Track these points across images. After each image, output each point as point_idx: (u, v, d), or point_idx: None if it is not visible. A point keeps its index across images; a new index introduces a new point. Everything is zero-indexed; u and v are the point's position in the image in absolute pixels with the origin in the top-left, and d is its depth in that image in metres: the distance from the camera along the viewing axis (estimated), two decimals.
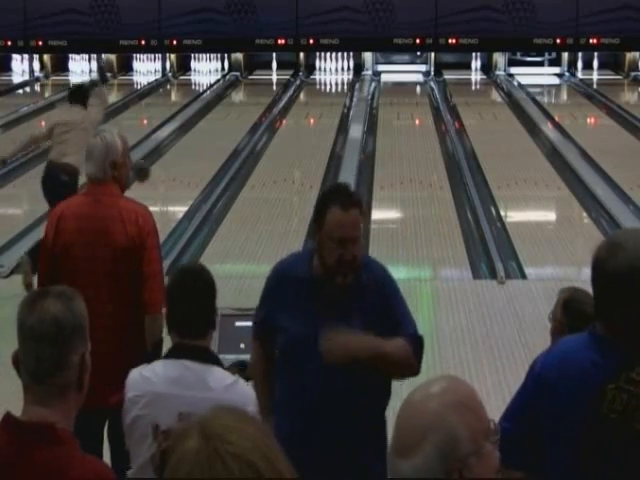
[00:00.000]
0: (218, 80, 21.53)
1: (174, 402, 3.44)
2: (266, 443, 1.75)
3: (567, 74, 21.28)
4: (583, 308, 4.40)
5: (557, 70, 21.66)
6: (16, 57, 21.99)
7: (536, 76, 21.29)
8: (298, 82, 20.98)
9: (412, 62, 22.07)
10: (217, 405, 1.86)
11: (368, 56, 21.70)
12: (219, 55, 22.18)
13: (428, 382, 2.19)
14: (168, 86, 21.61)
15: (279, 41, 20.26)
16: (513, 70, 21.59)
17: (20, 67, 21.99)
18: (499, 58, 21.52)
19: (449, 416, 2.07)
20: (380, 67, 21.82)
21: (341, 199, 3.76)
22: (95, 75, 21.90)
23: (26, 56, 21.48)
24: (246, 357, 4.57)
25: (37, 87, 21.28)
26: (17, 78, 21.55)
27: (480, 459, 2.07)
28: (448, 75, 21.37)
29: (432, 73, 21.49)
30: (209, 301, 3.66)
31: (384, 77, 21.29)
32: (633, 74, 21.06)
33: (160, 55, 22.07)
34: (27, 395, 2.54)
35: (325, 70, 22.00)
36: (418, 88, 20.69)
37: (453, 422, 2.07)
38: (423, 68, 21.85)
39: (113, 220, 4.74)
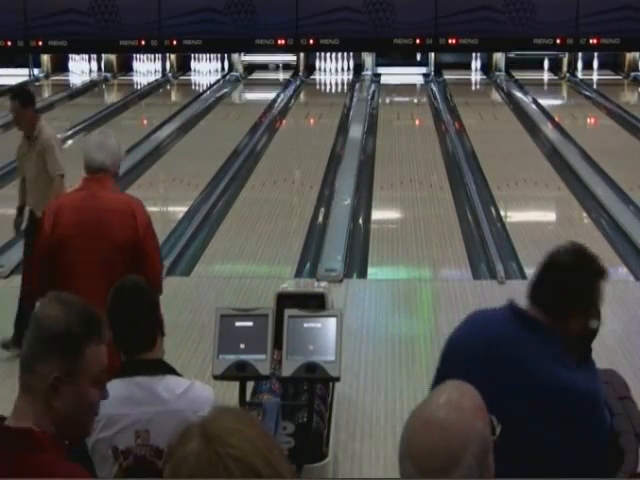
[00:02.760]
0: (218, 80, 21.52)
1: (128, 422, 3.43)
2: (267, 445, 1.75)
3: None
4: None
5: (424, 70, 21.72)
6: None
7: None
8: (298, 82, 20.98)
9: (412, 64, 22.05)
10: (218, 406, 1.86)
11: (368, 59, 21.69)
12: (219, 55, 22.18)
13: (435, 395, 2.14)
14: (168, 86, 21.61)
15: (279, 41, 20.26)
16: (380, 70, 21.75)
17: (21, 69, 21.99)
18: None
19: (477, 423, 2.09)
20: (380, 69, 21.80)
21: None
22: (95, 75, 21.92)
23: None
24: (246, 357, 4.58)
25: (36, 87, 21.27)
26: (17, 79, 21.53)
27: (491, 455, 2.11)
28: (448, 75, 21.38)
29: (432, 73, 21.50)
30: (148, 312, 3.63)
31: (384, 78, 21.28)
32: (633, 74, 21.06)
33: (160, 55, 22.08)
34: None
35: (325, 70, 22.00)
36: (418, 88, 20.68)
37: (482, 427, 2.09)
38: (423, 70, 21.85)
39: (110, 212, 4.88)
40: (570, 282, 3.11)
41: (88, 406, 2.43)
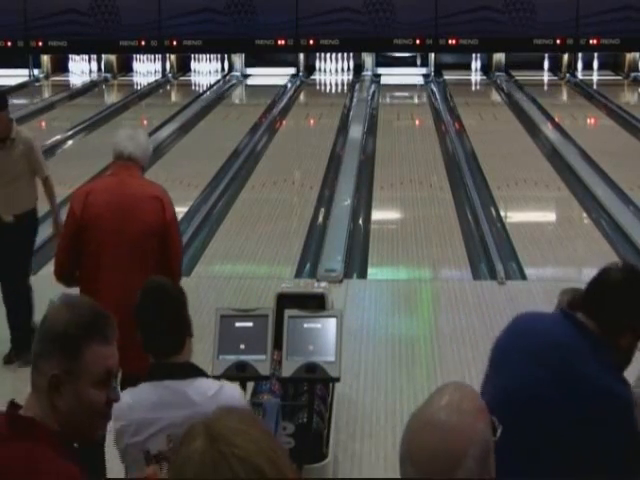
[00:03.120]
0: (218, 81, 21.52)
1: (159, 426, 3.42)
2: (270, 446, 1.75)
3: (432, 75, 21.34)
4: None
5: (424, 71, 21.71)
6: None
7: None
8: (298, 83, 20.98)
9: (412, 65, 22.04)
10: (221, 406, 1.86)
11: (368, 59, 21.69)
12: (219, 56, 22.18)
13: (436, 397, 2.13)
14: (168, 87, 21.61)
15: (279, 42, 20.26)
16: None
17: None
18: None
19: (479, 425, 2.08)
20: (380, 70, 21.80)
21: None
22: (95, 76, 21.92)
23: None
24: (246, 358, 4.58)
25: (36, 88, 21.27)
26: (17, 79, 21.53)
27: (492, 456, 2.10)
28: (448, 76, 21.37)
29: (432, 74, 21.50)
30: (175, 314, 3.63)
31: (384, 78, 21.27)
32: (633, 75, 21.05)
33: (160, 56, 22.07)
34: None
35: (325, 71, 22.00)
36: (418, 89, 20.68)
37: (483, 429, 2.09)
38: (423, 70, 21.85)
39: (141, 198, 5.04)
40: (625, 300, 3.20)
41: (88, 407, 2.42)
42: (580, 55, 21.79)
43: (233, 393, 3.56)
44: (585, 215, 10.94)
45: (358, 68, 21.71)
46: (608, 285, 3.23)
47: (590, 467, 3.03)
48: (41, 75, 21.93)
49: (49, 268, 9.12)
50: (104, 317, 2.48)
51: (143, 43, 20.50)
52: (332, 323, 4.92)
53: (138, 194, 5.07)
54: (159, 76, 22.08)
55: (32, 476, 2.33)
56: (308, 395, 4.97)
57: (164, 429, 3.41)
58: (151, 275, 4.72)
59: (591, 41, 20.03)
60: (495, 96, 19.85)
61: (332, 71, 21.96)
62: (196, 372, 3.58)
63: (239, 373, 4.57)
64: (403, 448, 2.07)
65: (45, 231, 9.98)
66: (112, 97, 20.61)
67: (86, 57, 22.28)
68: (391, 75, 21.56)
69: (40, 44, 20.58)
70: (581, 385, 3.09)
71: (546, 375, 3.11)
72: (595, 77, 21.59)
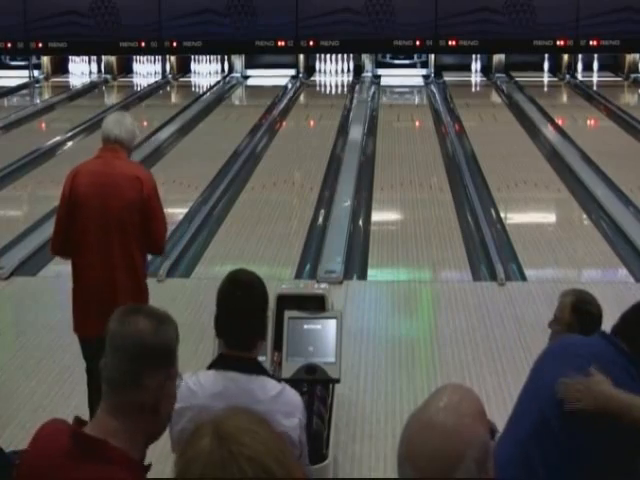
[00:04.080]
0: (218, 82, 21.53)
1: None
2: (279, 446, 1.75)
3: (432, 76, 21.36)
4: (590, 309, 4.43)
5: (424, 72, 21.71)
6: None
7: (404, 77, 21.36)
8: (298, 84, 20.98)
9: (412, 66, 22.05)
10: (231, 406, 1.85)
11: (368, 60, 21.70)
12: (219, 57, 22.18)
13: (434, 398, 2.13)
14: (168, 88, 21.61)
15: (279, 43, 20.26)
16: (380, 71, 21.73)
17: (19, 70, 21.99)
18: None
19: (478, 427, 2.08)
20: (380, 71, 21.81)
21: None
22: (95, 77, 21.92)
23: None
24: None
25: (36, 89, 21.28)
26: (17, 80, 21.53)
27: (491, 459, 2.10)
28: (448, 77, 21.38)
29: (432, 75, 21.50)
30: (260, 314, 3.61)
31: (384, 80, 21.28)
32: (633, 76, 21.06)
33: (160, 57, 22.08)
34: (102, 403, 2.50)
35: (325, 72, 22.01)
36: (418, 90, 20.68)
37: (482, 432, 2.08)
38: (423, 72, 21.85)
39: (122, 177, 5.45)
40: None
41: (175, 401, 2.57)
42: (580, 56, 21.80)
43: (294, 397, 3.55)
44: (585, 216, 10.94)
45: (358, 69, 21.71)
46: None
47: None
48: (41, 76, 21.93)
49: (49, 269, 9.14)
50: (173, 318, 2.56)
51: (143, 44, 20.50)
52: (332, 324, 4.92)
53: (120, 173, 5.46)
54: (159, 77, 22.09)
55: None
56: (308, 396, 4.96)
57: None
58: (132, 247, 5.42)
59: (591, 42, 20.03)
60: (495, 97, 19.85)
61: (332, 72, 21.97)
62: (262, 371, 3.57)
63: None
64: (402, 449, 2.07)
65: (42, 235, 10.01)
66: (112, 98, 20.61)
67: (86, 58, 22.29)
68: (391, 76, 21.56)
69: (40, 45, 20.58)
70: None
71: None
72: (595, 78, 21.60)
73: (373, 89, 20.06)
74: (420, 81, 21.32)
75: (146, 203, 5.45)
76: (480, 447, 2.05)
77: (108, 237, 5.39)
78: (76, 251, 5.51)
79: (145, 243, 5.50)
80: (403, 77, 21.55)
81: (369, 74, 21.47)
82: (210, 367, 3.57)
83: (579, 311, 4.35)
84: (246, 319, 3.55)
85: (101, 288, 5.41)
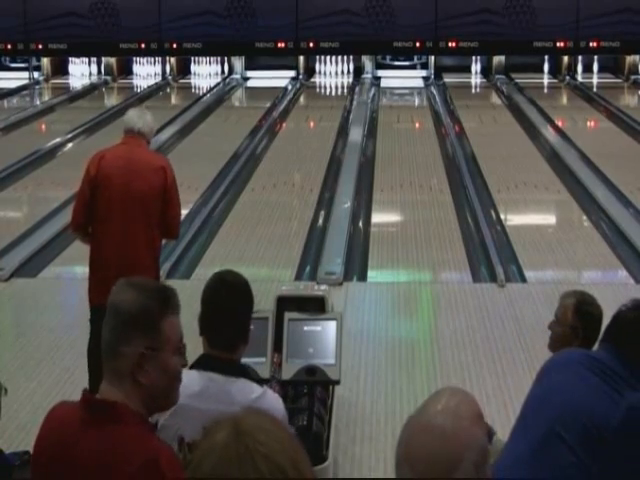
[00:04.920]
0: (218, 83, 21.53)
1: (197, 415, 3.36)
2: (294, 447, 1.75)
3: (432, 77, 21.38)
4: (592, 310, 4.43)
5: (424, 73, 21.74)
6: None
7: (404, 79, 21.39)
8: (298, 85, 20.99)
9: (412, 67, 22.06)
10: (248, 407, 1.87)
11: (368, 62, 21.70)
12: (219, 58, 22.19)
13: (433, 400, 2.13)
14: (168, 89, 21.61)
15: (279, 44, 20.26)
16: (380, 73, 21.77)
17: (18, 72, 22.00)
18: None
19: (476, 430, 2.09)
20: (380, 72, 21.82)
21: None
22: (95, 78, 21.92)
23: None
24: (246, 360, 4.56)
25: (36, 90, 21.28)
26: (17, 82, 21.54)
27: (488, 463, 2.10)
28: (448, 78, 21.38)
29: (432, 76, 21.50)
30: (243, 316, 3.61)
31: (384, 81, 21.28)
32: (633, 77, 21.06)
33: (160, 58, 22.08)
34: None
35: (325, 73, 22.01)
36: (418, 91, 20.69)
37: (480, 435, 2.09)
38: (423, 73, 21.86)
39: (145, 162, 5.90)
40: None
41: (173, 375, 2.61)
42: (580, 58, 21.80)
43: (274, 402, 3.54)
44: (585, 217, 10.94)
45: (358, 71, 21.72)
46: (624, 325, 3.47)
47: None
48: (41, 78, 21.94)
49: (49, 270, 9.15)
50: (169, 290, 2.64)
51: (143, 46, 20.50)
52: (332, 326, 4.92)
53: (145, 161, 5.91)
54: (159, 79, 22.09)
55: (136, 457, 2.44)
56: (308, 398, 4.97)
57: (200, 419, 3.40)
58: (152, 227, 5.81)
59: (591, 44, 20.04)
60: (495, 99, 19.85)
61: (332, 74, 21.97)
62: (242, 373, 3.56)
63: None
64: (400, 451, 2.07)
65: (42, 236, 10.01)
66: (112, 100, 20.61)
67: (86, 60, 22.28)
68: (391, 77, 21.57)
69: (40, 47, 20.58)
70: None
71: (589, 389, 3.28)
72: (595, 80, 21.60)
73: (373, 91, 20.07)
74: (420, 83, 21.32)
75: (168, 191, 5.86)
76: (478, 450, 2.05)
77: (131, 214, 5.80)
78: (98, 224, 5.88)
79: (161, 228, 5.94)
80: (403, 79, 21.56)
81: (369, 75, 21.48)
82: (192, 367, 3.57)
83: (581, 312, 4.35)
84: (229, 319, 3.56)
85: (121, 260, 5.81)
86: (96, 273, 5.96)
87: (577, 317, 4.33)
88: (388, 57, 21.94)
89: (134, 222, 5.81)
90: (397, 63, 21.98)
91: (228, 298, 3.60)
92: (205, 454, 1.74)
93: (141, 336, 2.54)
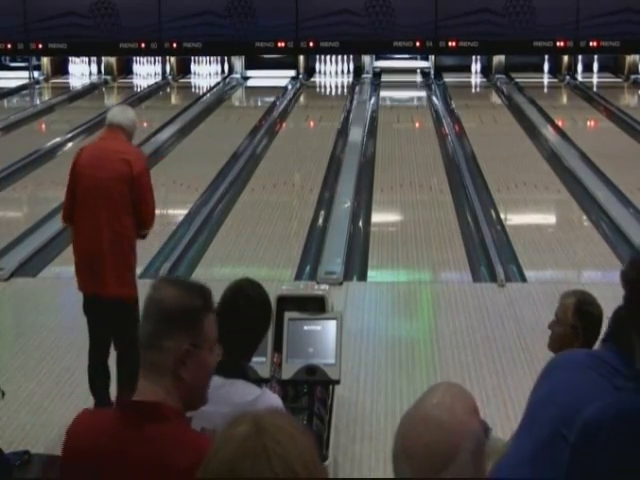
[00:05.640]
0: (218, 83, 21.53)
1: (195, 416, 3.39)
2: (311, 454, 1.76)
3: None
4: (593, 310, 4.43)
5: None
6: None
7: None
8: (298, 85, 20.99)
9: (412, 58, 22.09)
10: (270, 406, 1.88)
11: (368, 61, 21.72)
12: (219, 58, 22.19)
13: (428, 395, 2.14)
14: (168, 89, 21.61)
15: (279, 44, 20.27)
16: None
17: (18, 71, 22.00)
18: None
19: (471, 420, 2.10)
20: (378, 63, 21.84)
21: None
22: (95, 78, 21.92)
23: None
24: None
25: (36, 90, 21.28)
26: (17, 81, 21.53)
27: (484, 457, 2.12)
28: (448, 78, 21.39)
29: (432, 76, 21.50)
30: (253, 333, 3.63)
31: (384, 81, 21.28)
32: (633, 77, 21.06)
33: (160, 58, 22.08)
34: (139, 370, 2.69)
35: (325, 73, 22.01)
36: (418, 91, 20.69)
37: (476, 425, 2.11)
38: (425, 64, 21.87)
39: (113, 152, 6.07)
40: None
41: (209, 372, 2.67)
42: (580, 57, 21.80)
43: (273, 401, 3.53)
44: (585, 217, 10.94)
45: (358, 70, 21.72)
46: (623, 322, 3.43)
47: None
48: (41, 77, 21.94)
49: (49, 270, 9.15)
50: (208, 289, 2.69)
51: (143, 45, 20.50)
52: (332, 325, 4.92)
53: (113, 150, 6.09)
54: (159, 78, 22.09)
55: (187, 454, 2.47)
56: (308, 397, 4.97)
57: (199, 421, 3.39)
58: (120, 215, 5.96)
59: (591, 43, 20.04)
60: (495, 98, 19.85)
61: (332, 73, 21.98)
62: (241, 374, 3.56)
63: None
64: (397, 445, 2.08)
65: (42, 236, 10.01)
66: (112, 99, 20.61)
67: (86, 59, 22.29)
68: (391, 73, 21.57)
69: (40, 46, 20.59)
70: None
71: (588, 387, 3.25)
72: (595, 79, 21.60)
73: (373, 90, 20.06)
74: (420, 82, 21.32)
75: (136, 180, 6.01)
76: (474, 439, 2.07)
77: (97, 203, 5.99)
78: (73, 213, 6.14)
79: (132, 216, 6.07)
80: (403, 78, 21.56)
81: (369, 75, 21.47)
82: None
83: (582, 312, 4.35)
84: (240, 331, 3.56)
85: (90, 249, 6.05)
86: (75, 263, 6.22)
87: (577, 317, 4.33)
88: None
89: (100, 210, 5.99)
90: (397, 66, 21.96)
91: (245, 310, 3.61)
92: (223, 444, 1.75)
93: (184, 332, 2.59)
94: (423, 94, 20.14)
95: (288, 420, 1.82)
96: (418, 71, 22.15)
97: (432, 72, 21.62)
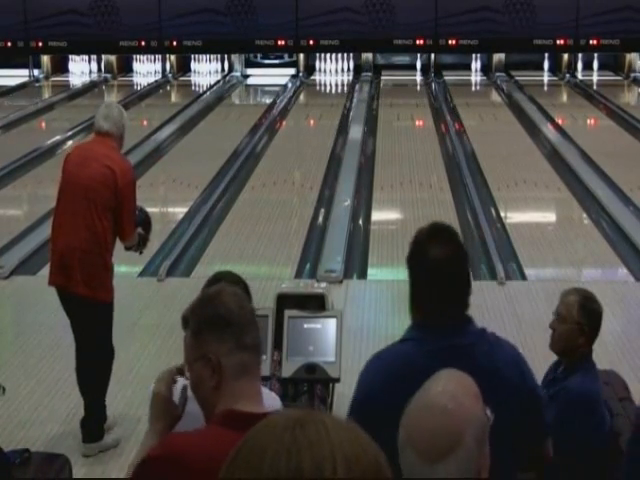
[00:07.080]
0: (218, 81, 21.53)
1: (192, 417, 3.39)
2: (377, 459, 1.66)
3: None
4: (596, 307, 4.43)
5: (292, 71, 21.74)
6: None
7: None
8: (298, 83, 20.98)
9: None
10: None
11: (367, 55, 21.73)
12: (219, 56, 22.19)
13: (432, 383, 2.17)
14: (168, 87, 21.61)
15: (279, 42, 20.27)
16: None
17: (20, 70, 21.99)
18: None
19: (475, 406, 2.13)
20: (379, 59, 21.85)
21: None
22: (95, 76, 21.91)
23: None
24: None
25: (36, 88, 21.27)
26: (17, 79, 21.52)
27: (487, 443, 2.14)
28: (448, 76, 21.38)
29: (432, 74, 21.50)
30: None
31: (384, 81, 21.28)
32: (633, 75, 21.06)
33: (160, 56, 22.08)
34: None
35: (325, 71, 22.01)
36: (418, 89, 20.69)
37: (479, 410, 2.13)
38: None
39: (102, 156, 6.03)
40: None
41: (206, 385, 2.73)
42: (580, 55, 21.80)
43: (271, 401, 3.52)
44: (585, 216, 10.94)
45: (358, 68, 21.72)
46: None
47: None
48: (41, 75, 21.93)
49: (48, 268, 9.14)
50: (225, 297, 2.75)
51: (143, 43, 20.51)
52: (332, 323, 4.92)
53: (97, 156, 6.05)
54: (159, 76, 22.09)
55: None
56: (308, 395, 4.97)
57: (193, 422, 3.39)
58: (98, 217, 5.90)
59: (591, 41, 20.04)
60: (495, 97, 19.85)
61: (332, 71, 21.97)
62: None
63: None
64: (402, 433, 2.09)
65: (41, 234, 10.00)
66: (112, 97, 20.59)
67: (86, 57, 22.29)
68: (390, 69, 21.57)
69: (40, 44, 20.59)
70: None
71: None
72: (595, 77, 21.60)
73: (373, 88, 20.06)
74: (420, 80, 21.32)
75: (119, 192, 5.95)
76: (478, 425, 2.09)
77: (76, 201, 5.98)
78: (55, 212, 6.21)
79: (114, 222, 6.03)
80: (403, 78, 21.56)
81: (369, 73, 21.47)
82: None
83: (586, 309, 4.34)
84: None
85: (64, 245, 6.03)
86: (49, 255, 6.26)
87: (582, 314, 4.33)
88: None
89: (79, 208, 5.97)
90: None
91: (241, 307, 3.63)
92: (259, 429, 1.60)
93: (195, 346, 2.66)
94: (423, 92, 20.13)
95: (330, 420, 1.70)
96: (418, 69, 22.14)
97: (432, 73, 21.58)
